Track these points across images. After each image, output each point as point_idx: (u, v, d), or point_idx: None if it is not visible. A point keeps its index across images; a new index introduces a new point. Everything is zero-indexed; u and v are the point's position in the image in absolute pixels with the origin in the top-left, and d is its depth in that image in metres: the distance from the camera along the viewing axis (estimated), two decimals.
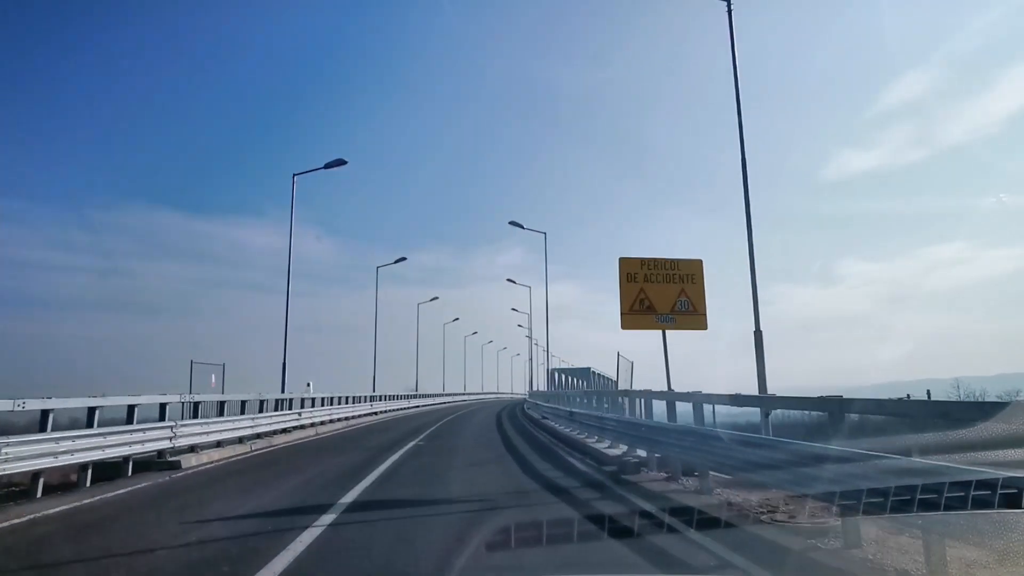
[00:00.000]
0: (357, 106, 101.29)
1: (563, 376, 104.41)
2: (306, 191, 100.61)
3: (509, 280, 51.05)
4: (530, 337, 61.21)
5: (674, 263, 13.91)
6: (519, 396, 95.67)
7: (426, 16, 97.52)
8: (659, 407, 11.46)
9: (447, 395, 53.48)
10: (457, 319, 64.92)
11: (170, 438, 12.41)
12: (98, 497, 8.87)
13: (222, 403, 16.16)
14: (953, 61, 77.70)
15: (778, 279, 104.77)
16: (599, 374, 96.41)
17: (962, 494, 4.05)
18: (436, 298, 53.54)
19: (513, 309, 57.94)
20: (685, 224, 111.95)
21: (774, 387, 12.00)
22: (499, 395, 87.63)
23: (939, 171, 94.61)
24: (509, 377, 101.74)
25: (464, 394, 66.44)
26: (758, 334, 12.48)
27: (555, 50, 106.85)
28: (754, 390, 11.91)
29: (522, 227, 36.25)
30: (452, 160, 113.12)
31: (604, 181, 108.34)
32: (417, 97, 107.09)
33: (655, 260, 13.83)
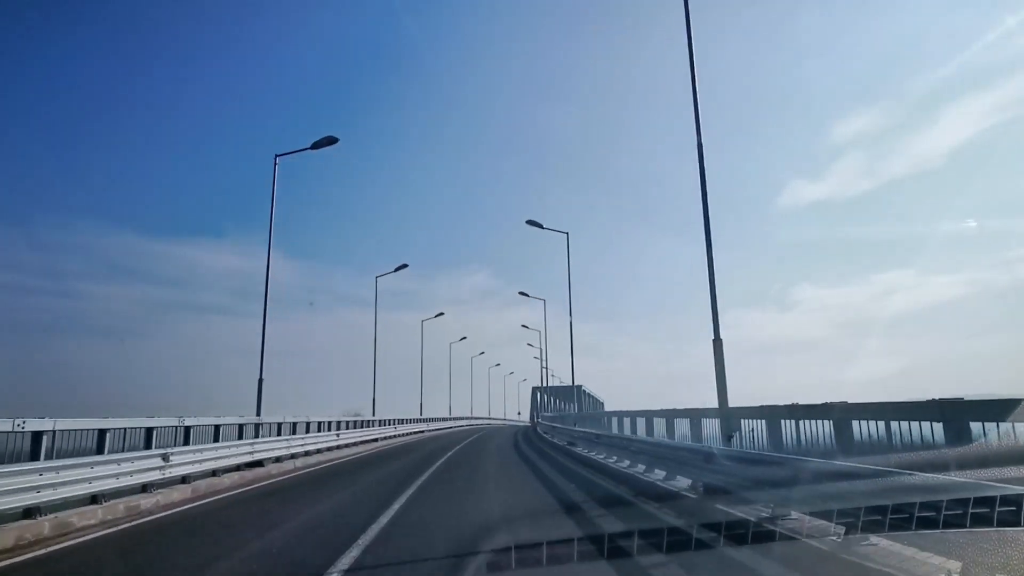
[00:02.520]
0: (317, 123, 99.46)
1: (546, 396, 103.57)
2: (266, 212, 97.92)
3: (523, 326, 55.28)
4: (544, 367, 67.04)
5: None
6: (507, 422, 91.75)
7: (396, 40, 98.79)
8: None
9: (412, 422, 38.89)
10: (464, 338, 65.02)
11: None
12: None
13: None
14: (900, 97, 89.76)
15: (738, 303, 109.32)
16: (588, 393, 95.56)
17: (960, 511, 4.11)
18: (442, 314, 52.91)
19: (528, 344, 64.52)
20: (654, 245, 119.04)
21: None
22: (472, 421, 74.43)
23: (886, 202, 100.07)
24: (487, 398, 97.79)
25: (439, 420, 51.85)
26: None
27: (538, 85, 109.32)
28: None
29: (527, 296, 43.58)
30: (413, 181, 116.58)
31: (570, 205, 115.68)
32: (381, 118, 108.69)
33: None
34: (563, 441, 25.54)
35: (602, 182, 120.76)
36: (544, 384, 73.77)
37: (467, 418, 70.24)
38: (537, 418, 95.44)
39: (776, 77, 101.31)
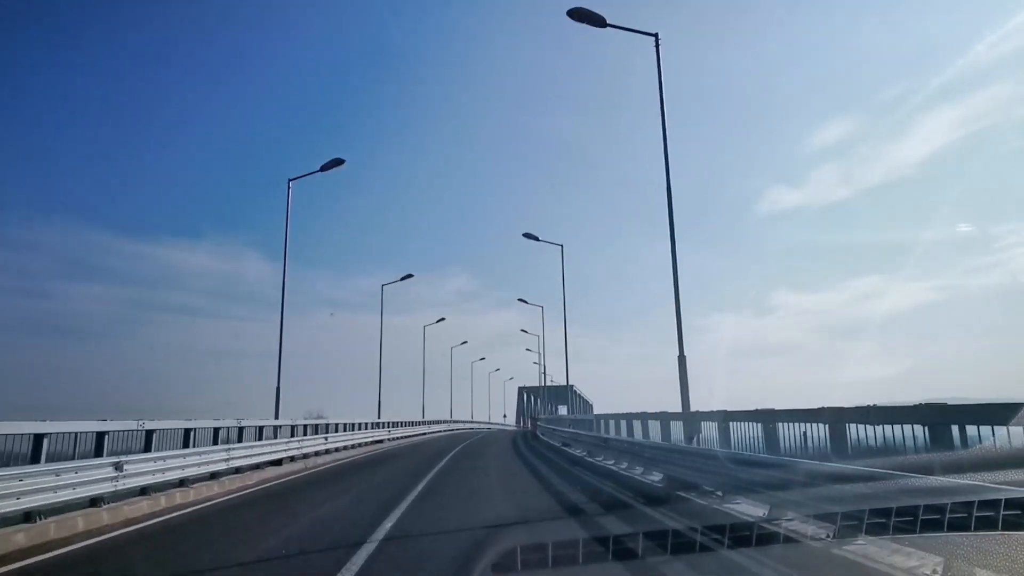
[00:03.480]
0: (298, 124, 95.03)
1: (534, 397, 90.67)
2: (246, 213, 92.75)
3: (523, 331, 52.27)
4: (544, 373, 61.82)
5: None
6: (492, 426, 77.42)
7: (382, 45, 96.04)
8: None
9: (367, 428, 26.99)
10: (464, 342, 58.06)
11: None
12: None
13: None
14: (874, 107, 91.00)
15: (717, 307, 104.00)
16: (579, 394, 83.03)
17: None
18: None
19: (527, 349, 60.64)
20: (632, 253, 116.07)
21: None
22: (451, 426, 58.35)
23: (860, 209, 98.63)
24: (468, 399, 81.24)
25: (406, 425, 37.15)
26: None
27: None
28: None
29: (527, 303, 41.31)
30: (392, 182, 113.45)
31: (548, 209, 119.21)
32: (359, 119, 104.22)
33: None
34: (639, 468, 12.70)
35: (590, 187, 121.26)
36: (544, 384, 62.01)
37: (444, 422, 55.21)
38: (525, 421, 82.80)
39: (755, 85, 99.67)
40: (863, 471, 5.63)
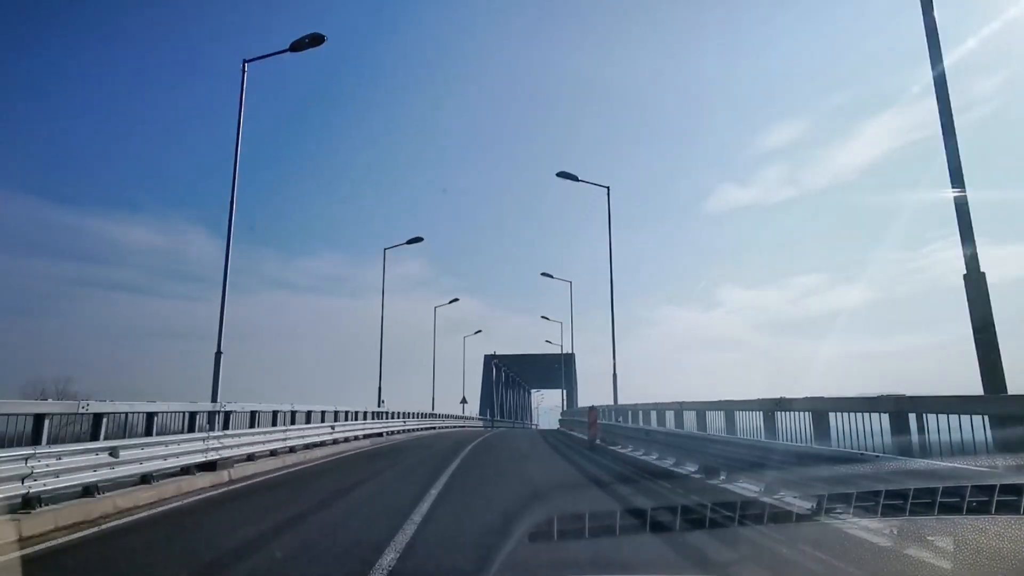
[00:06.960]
0: (247, 98, 70.55)
1: (504, 373, 66.31)
2: (192, 188, 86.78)
3: (543, 317, 48.28)
4: (563, 361, 55.06)
5: None
6: (443, 426, 47.50)
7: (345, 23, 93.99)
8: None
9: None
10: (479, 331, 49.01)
11: None
12: None
13: None
14: (821, 112, 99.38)
15: (665, 301, 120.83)
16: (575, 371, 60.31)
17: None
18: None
19: (547, 340, 51.30)
20: (592, 243, 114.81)
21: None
22: (382, 429, 29.62)
23: (805, 210, 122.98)
24: (408, 384, 54.00)
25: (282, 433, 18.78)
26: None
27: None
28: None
29: (552, 277, 38.53)
30: (345, 162, 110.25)
31: (514, 187, 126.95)
32: (311, 94, 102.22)
33: None
34: None
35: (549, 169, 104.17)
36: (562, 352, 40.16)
37: (373, 418, 22.81)
38: (496, 412, 59.46)
39: (708, 88, 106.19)
40: None
